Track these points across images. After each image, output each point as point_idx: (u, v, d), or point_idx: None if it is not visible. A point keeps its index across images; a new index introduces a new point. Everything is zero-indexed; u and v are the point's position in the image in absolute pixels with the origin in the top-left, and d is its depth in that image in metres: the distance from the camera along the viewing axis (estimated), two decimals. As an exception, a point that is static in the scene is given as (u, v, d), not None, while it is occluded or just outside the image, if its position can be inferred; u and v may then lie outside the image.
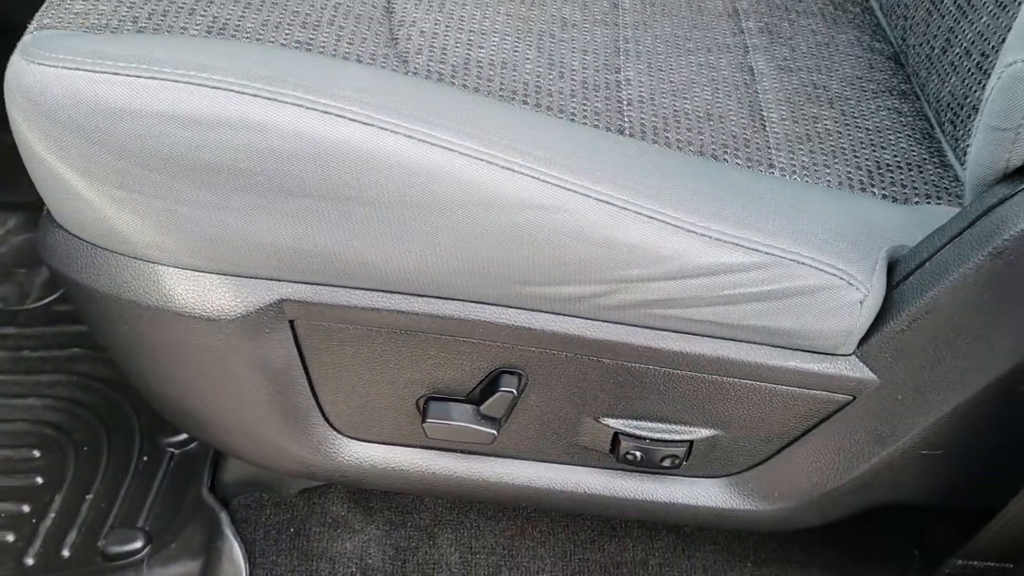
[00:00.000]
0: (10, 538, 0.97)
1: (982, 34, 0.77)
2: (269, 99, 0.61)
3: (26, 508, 0.99)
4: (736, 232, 0.65)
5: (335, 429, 0.81)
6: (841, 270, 0.66)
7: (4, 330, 1.20)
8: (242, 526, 0.99)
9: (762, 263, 0.65)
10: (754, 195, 0.69)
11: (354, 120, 0.61)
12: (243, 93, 0.61)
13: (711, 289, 0.66)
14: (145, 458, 1.04)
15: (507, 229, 0.64)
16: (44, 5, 0.71)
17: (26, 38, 0.67)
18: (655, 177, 0.66)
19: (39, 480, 1.02)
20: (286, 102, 0.61)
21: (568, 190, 0.63)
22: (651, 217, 0.64)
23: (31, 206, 1.37)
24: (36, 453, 1.04)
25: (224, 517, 0.98)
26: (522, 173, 0.63)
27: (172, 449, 1.05)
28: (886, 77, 0.90)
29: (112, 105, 0.61)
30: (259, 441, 0.82)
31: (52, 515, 0.99)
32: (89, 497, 1.00)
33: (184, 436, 1.05)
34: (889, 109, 0.86)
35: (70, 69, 0.62)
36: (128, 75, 0.61)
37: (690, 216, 0.65)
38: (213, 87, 0.61)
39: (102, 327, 0.76)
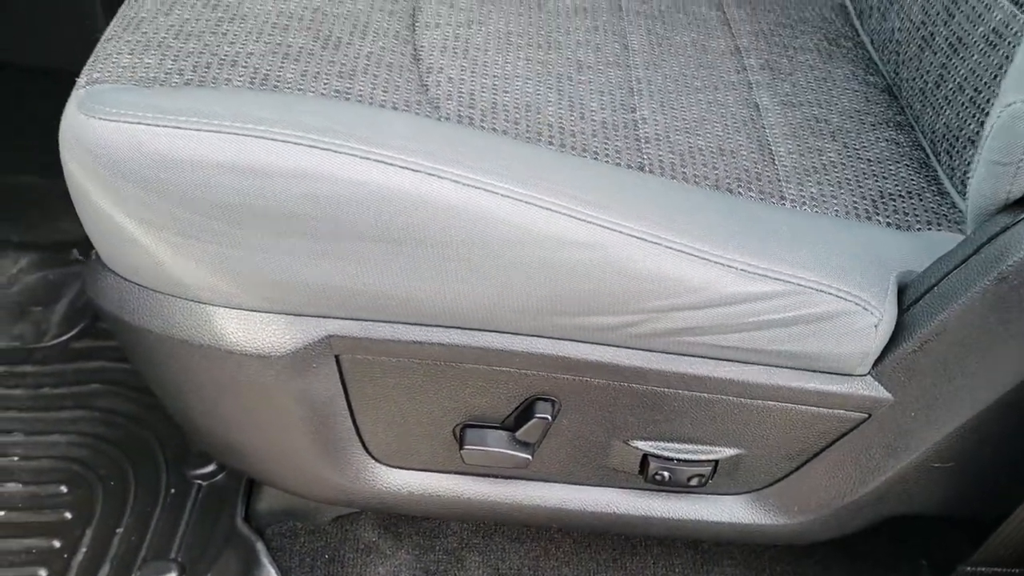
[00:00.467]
0: (43, 573, 0.99)
1: (974, 71, 0.82)
2: (325, 149, 0.65)
3: (57, 543, 1.01)
4: (760, 263, 0.70)
5: (374, 458, 0.85)
6: (857, 296, 0.71)
7: (23, 368, 1.22)
8: (277, 554, 1.02)
9: (785, 291, 0.70)
10: (773, 228, 0.73)
11: (405, 168, 0.65)
12: (300, 144, 0.65)
13: (737, 317, 0.71)
14: (172, 491, 1.06)
15: (547, 265, 0.68)
16: (91, 59, 0.74)
17: (79, 92, 0.70)
18: (682, 213, 0.71)
19: (68, 515, 1.04)
20: (342, 152, 0.65)
21: (603, 227, 0.67)
22: (681, 251, 0.68)
23: (43, 245, 1.40)
24: (63, 488, 1.06)
25: (260, 546, 1.00)
26: (561, 213, 0.67)
27: (199, 481, 1.07)
28: (882, 110, 0.95)
29: (174, 157, 0.65)
30: (299, 471, 0.85)
31: (84, 549, 1.01)
32: (119, 531, 1.02)
33: (211, 468, 1.07)
34: (888, 140, 0.91)
35: (131, 123, 0.65)
36: (189, 128, 0.65)
37: (717, 249, 0.69)
38: (271, 139, 0.65)
39: (151, 366, 0.79)
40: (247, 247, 0.68)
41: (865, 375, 0.75)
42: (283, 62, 0.76)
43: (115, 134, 0.65)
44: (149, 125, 0.65)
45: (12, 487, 1.06)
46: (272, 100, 0.69)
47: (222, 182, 0.65)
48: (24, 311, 1.32)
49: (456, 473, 0.86)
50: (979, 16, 0.83)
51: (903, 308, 0.74)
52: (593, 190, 0.70)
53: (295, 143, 0.65)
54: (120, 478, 1.08)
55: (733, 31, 1.03)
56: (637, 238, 0.68)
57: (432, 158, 0.66)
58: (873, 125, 0.93)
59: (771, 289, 0.70)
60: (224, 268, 0.70)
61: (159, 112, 0.66)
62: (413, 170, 0.66)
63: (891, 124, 0.94)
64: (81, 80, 0.72)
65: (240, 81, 0.73)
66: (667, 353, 0.74)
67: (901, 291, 0.75)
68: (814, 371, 0.75)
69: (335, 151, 0.65)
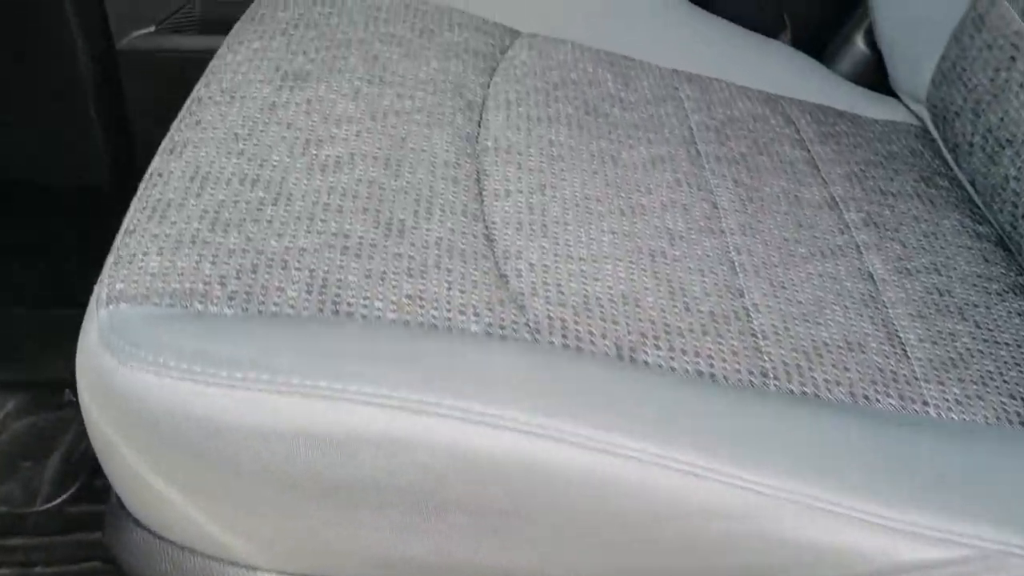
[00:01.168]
0: None
1: None
2: (417, 412, 0.52)
3: None
4: (938, 523, 0.57)
5: None
6: (1051, 556, 0.59)
7: (12, 541, 1.08)
8: None
9: (968, 556, 0.58)
10: (940, 466, 0.61)
11: (515, 429, 0.53)
12: (386, 406, 0.52)
13: (911, 586, 0.58)
14: None
15: (688, 540, 0.55)
16: (112, 262, 0.62)
17: (102, 315, 0.57)
18: (843, 462, 0.59)
19: None
20: (438, 414, 0.52)
21: (760, 493, 0.55)
22: (852, 515, 0.56)
23: (32, 385, 1.26)
24: None
25: None
26: (708, 478, 0.55)
27: None
28: (1002, 271, 0.85)
29: (230, 423, 0.52)
30: None
31: None
32: None
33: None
34: (1020, 315, 0.80)
35: (175, 379, 0.52)
36: (249, 389, 0.52)
37: (890, 511, 0.57)
38: (350, 400, 0.52)
39: (183, 631, 0.66)
40: (312, 519, 0.55)
41: None
42: (343, 259, 0.64)
43: (156, 391, 0.52)
44: (197, 383, 0.52)
45: None
46: (356, 345, 0.56)
47: (288, 452, 0.52)
48: (12, 467, 1.17)
49: None
50: None
51: (1097, 558, 0.62)
52: (735, 436, 0.57)
53: (379, 405, 0.52)
54: None
55: (823, 175, 0.92)
56: (798, 504, 0.55)
57: (545, 413, 0.54)
58: (1000, 294, 0.82)
59: (953, 555, 0.57)
60: (279, 537, 0.57)
61: (208, 363, 0.53)
62: (524, 432, 0.53)
63: (1017, 290, 0.82)
64: (102, 290, 0.59)
65: (295, 289, 0.61)
66: (820, 621, 0.62)
67: (1085, 529, 0.63)
68: (991, 637, 0.63)
69: (429, 413, 0.52)
